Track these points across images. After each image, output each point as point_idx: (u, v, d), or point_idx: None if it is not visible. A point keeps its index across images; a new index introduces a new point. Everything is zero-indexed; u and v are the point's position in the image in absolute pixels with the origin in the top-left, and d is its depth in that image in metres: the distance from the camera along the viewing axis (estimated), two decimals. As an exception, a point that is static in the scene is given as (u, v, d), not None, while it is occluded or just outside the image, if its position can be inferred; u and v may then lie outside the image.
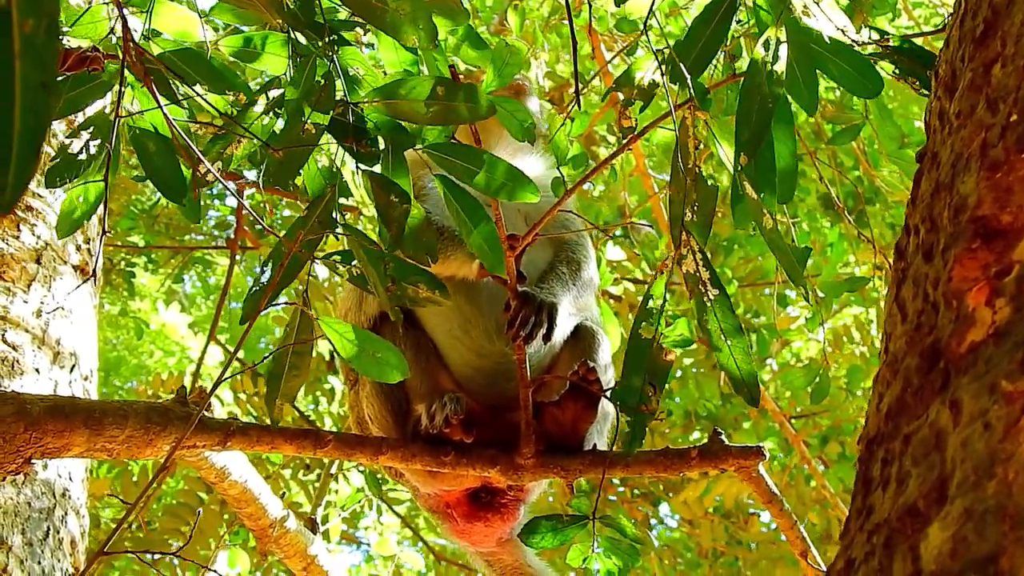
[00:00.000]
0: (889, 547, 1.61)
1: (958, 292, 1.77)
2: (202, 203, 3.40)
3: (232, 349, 10.81)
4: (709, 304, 2.94)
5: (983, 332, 1.67)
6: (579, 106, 3.15)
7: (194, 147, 2.99)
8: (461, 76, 4.36)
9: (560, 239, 3.97)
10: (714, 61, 3.21)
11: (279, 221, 8.69)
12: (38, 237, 4.85)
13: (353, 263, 2.96)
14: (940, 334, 1.77)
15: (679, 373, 8.65)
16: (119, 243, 8.96)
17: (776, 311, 7.53)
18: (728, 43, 3.37)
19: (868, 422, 1.97)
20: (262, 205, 8.23)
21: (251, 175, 3.74)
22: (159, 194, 3.69)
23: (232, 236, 7.80)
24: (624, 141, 2.98)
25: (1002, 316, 1.66)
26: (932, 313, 1.83)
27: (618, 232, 8.46)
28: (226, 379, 3.09)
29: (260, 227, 8.15)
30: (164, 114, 2.82)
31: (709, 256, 2.98)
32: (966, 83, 2.05)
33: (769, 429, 8.76)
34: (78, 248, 5.07)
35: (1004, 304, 1.66)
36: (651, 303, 3.11)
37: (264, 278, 3.02)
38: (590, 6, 3.84)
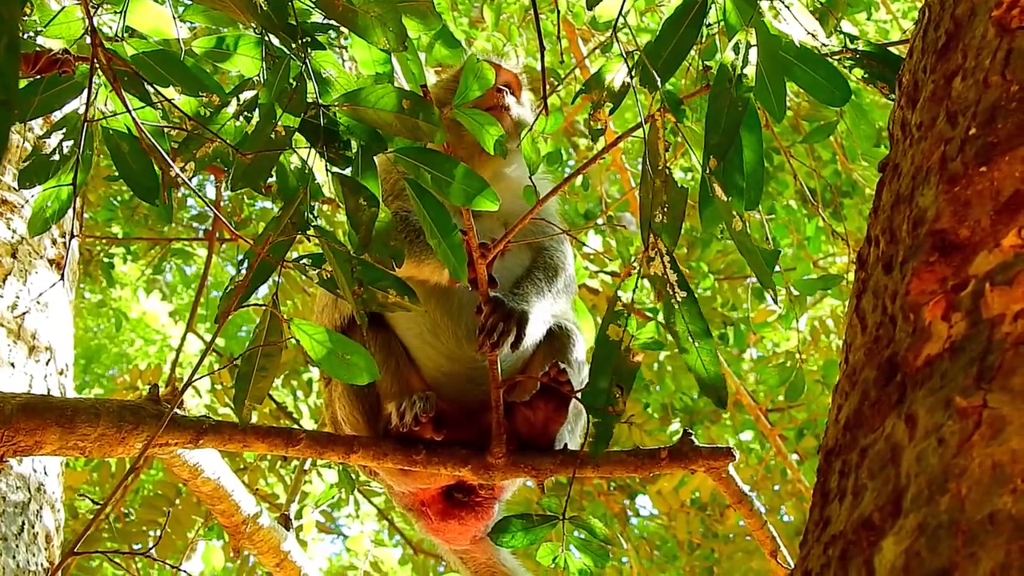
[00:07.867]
0: (844, 560, 1.63)
1: (915, 305, 1.78)
2: (181, 192, 3.40)
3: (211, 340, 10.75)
4: (677, 307, 2.95)
5: (939, 346, 1.68)
6: (547, 111, 3.15)
7: (163, 152, 2.98)
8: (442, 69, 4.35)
9: (539, 244, 3.97)
10: (687, 61, 3.22)
11: (257, 209, 8.65)
12: (14, 231, 4.84)
13: (323, 266, 2.96)
14: (898, 347, 1.78)
15: (655, 366, 8.66)
16: (98, 234, 8.92)
17: (752, 304, 7.56)
18: (703, 41, 3.37)
19: (827, 433, 1.98)
20: (240, 196, 8.21)
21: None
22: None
23: (210, 229, 7.78)
24: (595, 146, 2.99)
25: (958, 331, 1.67)
26: (890, 326, 1.83)
27: (600, 221, 8.45)
28: (198, 379, 3.09)
29: (237, 219, 8.14)
30: (134, 119, 2.82)
31: (686, 250, 2.99)
32: (927, 94, 2.06)
33: (746, 422, 8.79)
34: (54, 242, 5.06)
35: (960, 319, 1.67)
36: (618, 304, 3.12)
37: (241, 274, 3.03)
38: (558, 11, 3.84)
